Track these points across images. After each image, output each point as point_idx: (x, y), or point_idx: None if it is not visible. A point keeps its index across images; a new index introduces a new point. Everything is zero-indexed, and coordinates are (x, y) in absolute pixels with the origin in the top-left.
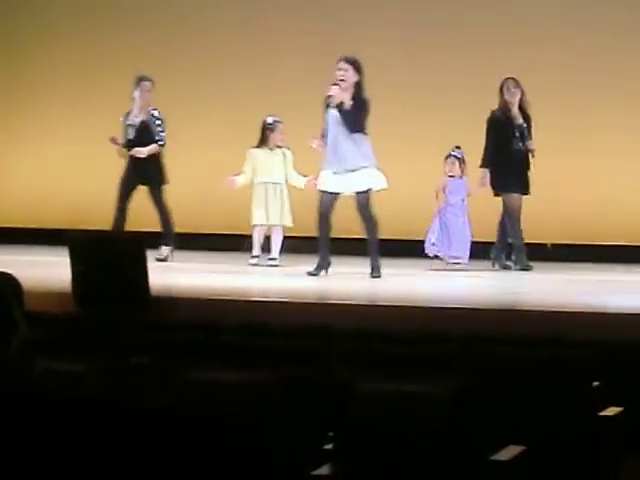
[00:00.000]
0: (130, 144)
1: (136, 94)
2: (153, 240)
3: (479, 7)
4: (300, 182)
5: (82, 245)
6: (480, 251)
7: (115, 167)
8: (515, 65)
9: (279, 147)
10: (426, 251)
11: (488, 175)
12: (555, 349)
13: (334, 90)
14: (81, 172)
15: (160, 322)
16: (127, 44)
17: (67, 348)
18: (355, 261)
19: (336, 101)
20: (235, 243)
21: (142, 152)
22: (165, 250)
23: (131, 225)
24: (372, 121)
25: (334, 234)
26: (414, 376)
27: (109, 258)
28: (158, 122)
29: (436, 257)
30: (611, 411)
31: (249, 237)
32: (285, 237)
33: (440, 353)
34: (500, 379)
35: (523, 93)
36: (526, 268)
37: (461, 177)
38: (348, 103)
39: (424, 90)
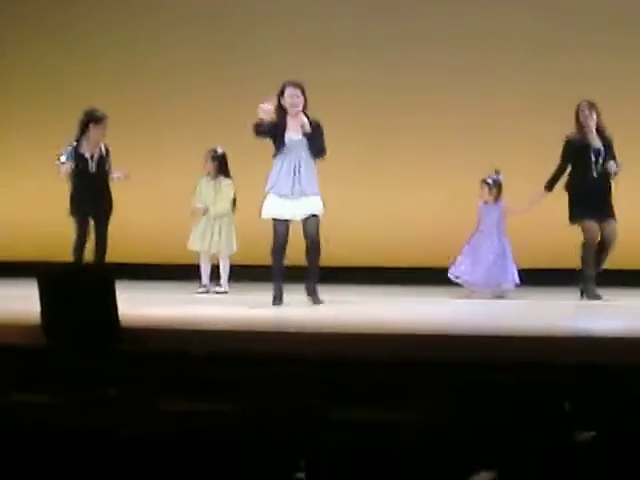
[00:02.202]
0: (86, 175)
1: (95, 129)
2: (122, 271)
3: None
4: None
5: (51, 277)
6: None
7: None
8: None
9: (222, 177)
10: (449, 276)
11: (543, 197)
12: (527, 373)
13: (304, 118)
14: (50, 205)
15: (130, 353)
16: (90, 74)
17: (36, 380)
18: (325, 289)
19: (307, 129)
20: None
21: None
22: None
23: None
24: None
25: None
26: (386, 403)
27: (78, 290)
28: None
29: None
30: (584, 436)
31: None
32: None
33: (412, 380)
34: (472, 405)
35: (599, 115)
36: (595, 298)
37: (495, 202)
38: (309, 128)
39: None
